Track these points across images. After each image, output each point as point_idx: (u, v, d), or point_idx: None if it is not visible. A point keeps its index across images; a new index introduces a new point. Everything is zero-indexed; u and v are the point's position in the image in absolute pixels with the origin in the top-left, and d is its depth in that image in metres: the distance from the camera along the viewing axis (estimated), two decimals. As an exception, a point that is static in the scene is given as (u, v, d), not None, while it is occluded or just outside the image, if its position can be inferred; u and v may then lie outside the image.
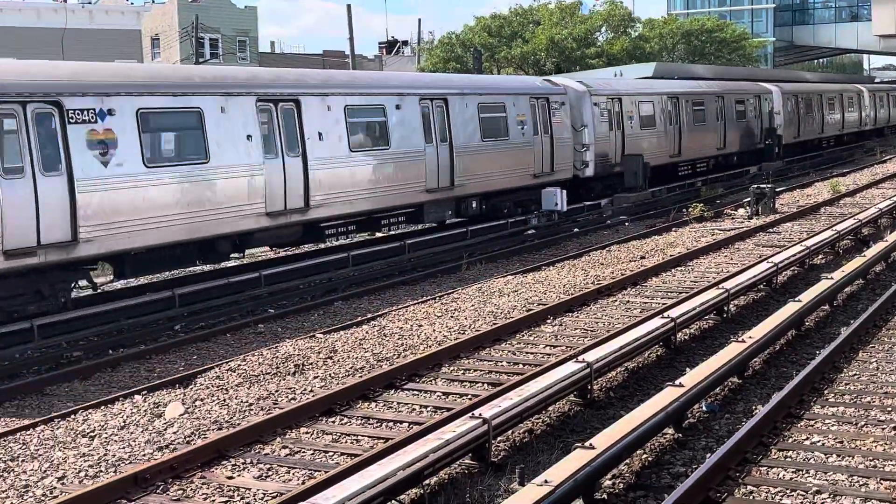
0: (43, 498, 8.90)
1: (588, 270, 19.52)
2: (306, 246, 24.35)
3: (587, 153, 29.47)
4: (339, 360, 13.22)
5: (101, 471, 9.49)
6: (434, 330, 14.76)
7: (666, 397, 9.62)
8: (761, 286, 16.76)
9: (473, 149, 24.73)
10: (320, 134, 20.18)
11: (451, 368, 12.72)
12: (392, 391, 11.78)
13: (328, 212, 20.41)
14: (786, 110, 44.51)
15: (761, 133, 42.16)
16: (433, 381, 12.19)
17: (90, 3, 55.08)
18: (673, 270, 19.44)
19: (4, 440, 10.50)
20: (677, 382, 10.02)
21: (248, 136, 18.54)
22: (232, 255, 19.53)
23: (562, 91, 28.94)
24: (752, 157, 41.54)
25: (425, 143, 23.17)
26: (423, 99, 23.47)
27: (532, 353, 13.46)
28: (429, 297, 17.59)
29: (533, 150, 26.99)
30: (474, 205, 24.97)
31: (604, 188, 31.17)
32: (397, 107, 22.55)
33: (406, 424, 10.54)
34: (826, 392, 11.02)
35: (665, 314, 13.24)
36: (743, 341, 11.75)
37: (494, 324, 14.90)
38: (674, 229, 25.56)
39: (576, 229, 26.73)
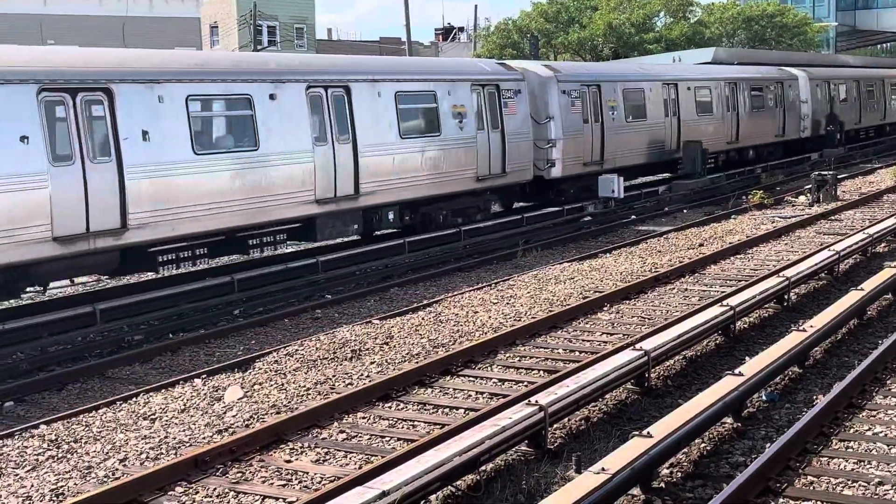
0: (105, 479, 9.05)
1: (645, 258, 19.38)
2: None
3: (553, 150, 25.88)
4: (395, 346, 13.28)
5: (162, 453, 9.63)
6: (490, 316, 14.76)
7: (725, 386, 9.53)
8: (822, 275, 16.51)
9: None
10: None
11: (507, 355, 12.70)
12: (448, 377, 11.80)
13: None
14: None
15: (826, 119, 41.45)
16: (489, 368, 12.19)
17: (151, -9, 55.72)
18: (732, 258, 19.22)
19: (68, 422, 10.69)
20: (737, 371, 9.92)
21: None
22: (290, 242, 19.71)
23: (518, 77, 24.92)
24: (816, 144, 40.91)
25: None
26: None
27: (588, 341, 13.40)
28: (484, 284, 17.59)
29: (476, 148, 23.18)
30: (391, 216, 21.26)
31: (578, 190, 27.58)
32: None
33: (462, 410, 10.56)
34: (889, 382, 10.82)
35: (724, 302, 13.10)
36: (804, 330, 11.59)
37: (550, 311, 14.85)
38: (733, 217, 25.27)
39: (633, 216, 26.53)
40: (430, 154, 21.64)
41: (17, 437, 10.24)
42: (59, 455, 9.71)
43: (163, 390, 11.73)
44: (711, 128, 33.22)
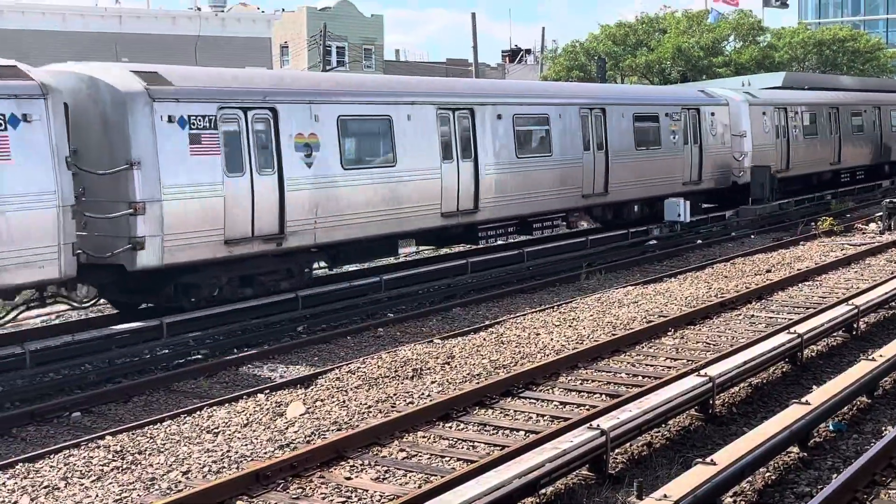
0: (168, 491, 9.15)
1: (711, 283, 19.16)
2: (425, 252, 24.59)
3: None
4: (456, 366, 13.27)
5: (224, 467, 9.72)
6: (552, 339, 14.69)
7: (791, 415, 9.36)
8: (893, 304, 16.17)
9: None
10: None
11: (569, 378, 12.62)
12: (509, 399, 11.76)
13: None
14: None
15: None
16: (550, 390, 12.12)
17: (223, 10, 56.53)
18: (800, 285, 18.92)
19: (133, 433, 10.85)
20: (804, 400, 9.74)
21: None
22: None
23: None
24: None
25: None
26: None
27: (652, 366, 13.26)
28: (547, 306, 17.52)
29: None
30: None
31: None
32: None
33: (522, 433, 10.51)
34: (962, 416, 10.56)
35: (792, 329, 12.90)
36: (873, 359, 11.35)
37: (614, 334, 14.74)
38: (801, 243, 24.92)
39: (699, 241, 26.26)
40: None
41: (83, 447, 10.41)
42: (124, 466, 9.85)
43: (226, 404, 11.85)
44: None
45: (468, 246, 23.79)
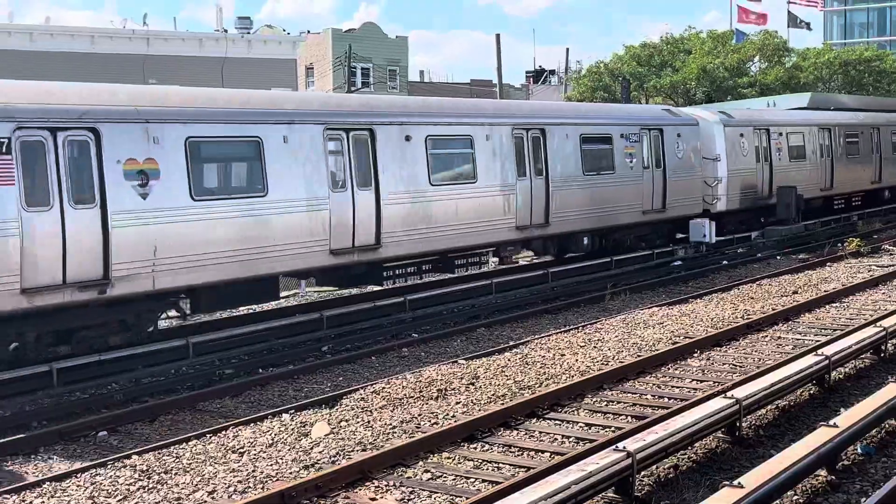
0: (194, 510, 9.18)
1: (737, 304, 19.07)
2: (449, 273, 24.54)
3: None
4: (481, 387, 13.25)
5: (250, 486, 9.73)
6: (577, 360, 14.65)
7: (819, 437, 9.28)
8: (922, 326, 16.01)
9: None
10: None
11: (594, 399, 12.58)
12: (534, 420, 11.73)
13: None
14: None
15: None
16: (576, 412, 12.08)
17: (249, 32, 57.03)
18: (827, 307, 18.80)
19: (159, 453, 10.88)
20: (831, 423, 9.67)
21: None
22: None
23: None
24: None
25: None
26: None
27: (678, 387, 13.20)
28: (572, 327, 17.48)
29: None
30: (585, 241, 24.53)
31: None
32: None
33: (548, 454, 10.47)
34: None
35: (819, 351, 12.81)
36: (902, 382, 11.25)
37: (639, 356, 14.69)
38: (828, 264, 24.76)
39: (724, 262, 26.14)
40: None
41: (109, 466, 10.45)
42: (150, 486, 9.88)
43: (252, 424, 11.87)
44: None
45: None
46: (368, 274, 19.11)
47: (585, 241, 23.88)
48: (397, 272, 19.43)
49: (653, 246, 26.04)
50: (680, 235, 27.55)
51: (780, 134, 31.53)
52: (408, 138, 19.02)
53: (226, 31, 56.48)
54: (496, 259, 23.60)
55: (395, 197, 18.66)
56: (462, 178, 20.48)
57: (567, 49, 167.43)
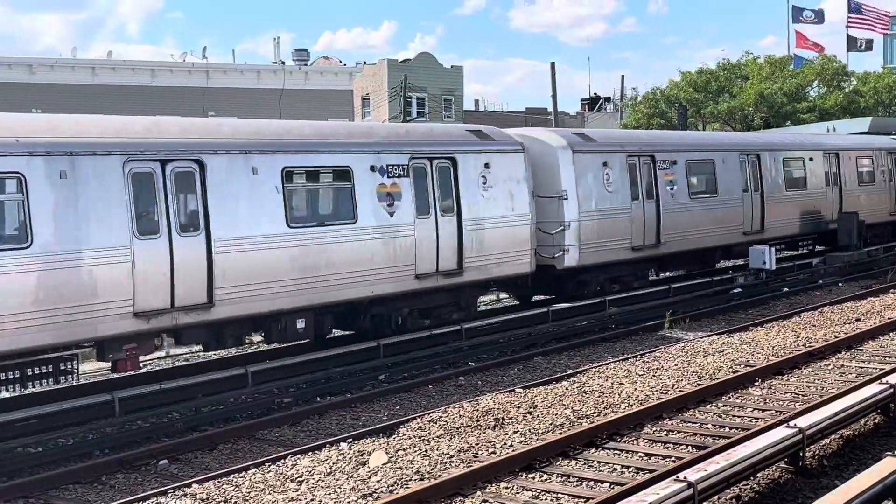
0: (253, 539, 9.21)
1: (799, 332, 18.78)
2: (505, 300, 24.52)
3: None
4: (538, 416, 13.17)
5: (308, 515, 9.74)
6: (635, 388, 14.51)
7: (886, 468, 9.06)
8: None
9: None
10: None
11: (654, 429, 12.44)
12: (593, 449, 11.63)
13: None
14: None
15: None
16: (635, 441, 11.96)
17: (306, 64, 57.78)
18: (891, 334, 18.43)
19: (219, 481, 10.96)
20: (898, 453, 9.46)
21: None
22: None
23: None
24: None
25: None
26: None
27: (739, 417, 13.01)
28: (630, 355, 17.33)
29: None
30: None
31: None
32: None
33: (607, 485, 10.37)
34: None
35: (883, 380, 12.56)
36: (971, 412, 10.99)
37: (699, 384, 14.52)
38: (892, 290, 24.29)
39: (785, 289, 25.80)
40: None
41: (170, 494, 10.55)
42: (210, 513, 9.94)
43: (310, 453, 11.91)
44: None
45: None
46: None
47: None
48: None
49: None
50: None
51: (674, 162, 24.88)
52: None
53: (283, 63, 57.26)
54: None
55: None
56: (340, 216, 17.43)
57: (622, 76, 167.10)
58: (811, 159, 29.39)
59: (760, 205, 27.24)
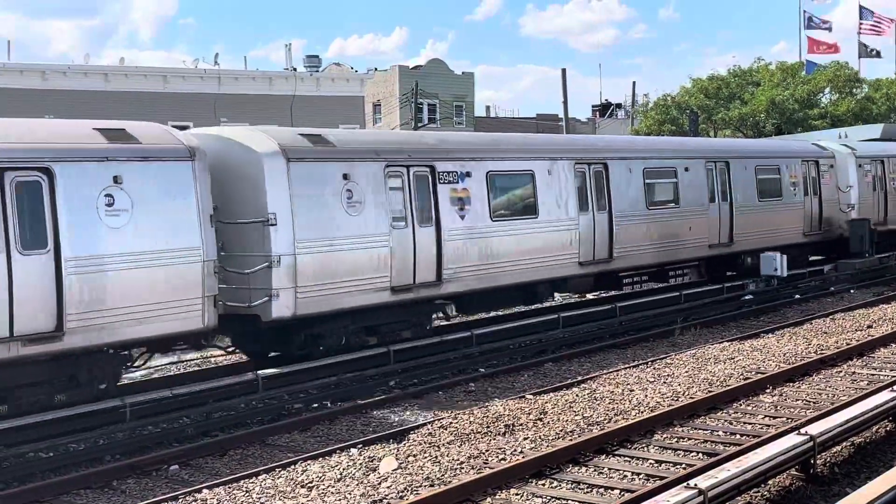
0: (263, 544, 9.22)
1: (810, 339, 18.73)
2: (515, 308, 24.44)
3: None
4: (548, 423, 13.16)
5: (318, 521, 9.75)
6: (646, 395, 14.49)
7: (897, 476, 9.05)
8: None
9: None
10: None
11: (665, 436, 12.42)
12: (603, 456, 11.61)
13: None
14: None
15: None
16: (645, 448, 11.94)
17: (317, 70, 57.87)
18: (903, 341, 18.37)
19: (229, 487, 10.98)
20: (910, 461, 9.43)
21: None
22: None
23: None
24: None
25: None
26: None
27: (750, 424, 12.98)
28: (640, 362, 17.31)
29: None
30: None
31: None
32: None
33: (617, 491, 10.35)
34: None
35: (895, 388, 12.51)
36: (984, 420, 10.94)
37: (710, 391, 14.48)
38: (904, 298, 24.22)
39: (797, 296, 25.73)
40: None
41: (181, 500, 10.58)
42: (220, 519, 9.96)
43: (320, 459, 11.93)
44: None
45: (560, 300, 23.72)
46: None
47: None
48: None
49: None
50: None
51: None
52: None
53: (295, 69, 57.33)
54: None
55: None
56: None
57: (634, 82, 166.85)
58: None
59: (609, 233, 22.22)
